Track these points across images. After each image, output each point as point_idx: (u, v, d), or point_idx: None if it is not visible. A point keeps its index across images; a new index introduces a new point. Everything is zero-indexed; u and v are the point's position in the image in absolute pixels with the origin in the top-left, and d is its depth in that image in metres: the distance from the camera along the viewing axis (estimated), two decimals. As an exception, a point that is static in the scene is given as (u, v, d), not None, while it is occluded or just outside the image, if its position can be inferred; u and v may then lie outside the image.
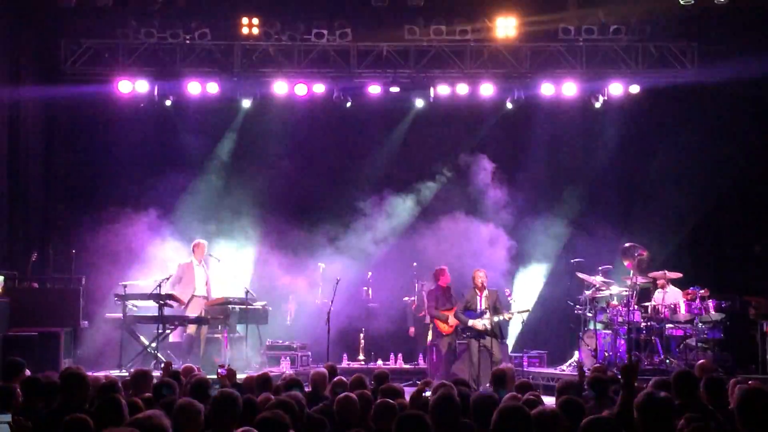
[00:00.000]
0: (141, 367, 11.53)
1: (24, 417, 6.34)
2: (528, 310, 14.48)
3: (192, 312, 14.91)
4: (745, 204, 17.29)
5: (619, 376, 7.18)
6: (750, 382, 8.08)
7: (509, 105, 17.57)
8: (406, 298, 17.07)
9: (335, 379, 8.40)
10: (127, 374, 11.72)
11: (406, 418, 5.55)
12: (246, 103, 17.53)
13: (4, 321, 13.59)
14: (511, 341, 16.26)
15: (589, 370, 10.25)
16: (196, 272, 15.25)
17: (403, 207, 17.37)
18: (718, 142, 16.82)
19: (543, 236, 16.97)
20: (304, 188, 17.92)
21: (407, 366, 16.50)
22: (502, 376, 9.20)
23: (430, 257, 16.66)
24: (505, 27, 16.58)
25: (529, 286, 16.94)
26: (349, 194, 17.83)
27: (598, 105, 17.42)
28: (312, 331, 16.43)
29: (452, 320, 14.60)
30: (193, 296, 15.10)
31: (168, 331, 14.65)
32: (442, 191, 17.64)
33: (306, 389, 8.54)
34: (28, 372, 8.83)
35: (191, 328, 14.87)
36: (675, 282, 15.11)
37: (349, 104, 17.47)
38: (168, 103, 17.31)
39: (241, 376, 9.71)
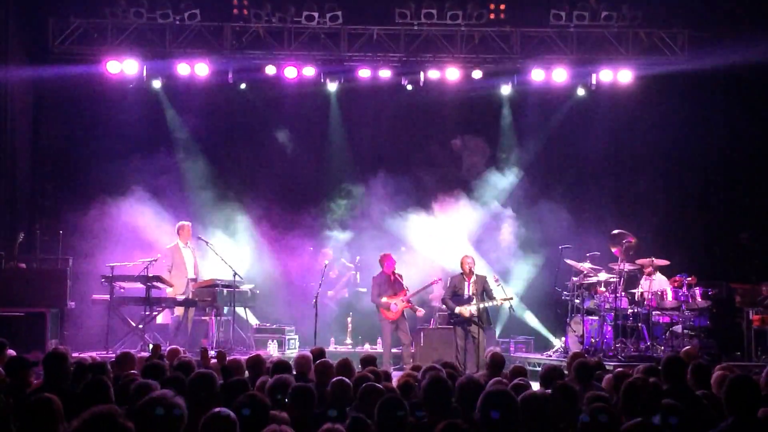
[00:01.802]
0: (126, 349, 11.54)
1: (7, 395, 6.32)
2: (511, 299, 14.47)
3: (184, 295, 14.88)
4: (732, 192, 17.34)
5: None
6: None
7: (505, 90, 17.51)
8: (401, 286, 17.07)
9: (319, 361, 8.37)
10: (113, 355, 11.70)
11: (387, 402, 5.56)
12: (236, 85, 17.44)
13: (-10, 301, 13.59)
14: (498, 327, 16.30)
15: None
16: (185, 255, 15.20)
17: (394, 190, 17.31)
18: (707, 129, 16.87)
19: (531, 222, 16.96)
20: (294, 171, 17.92)
21: (395, 350, 16.47)
22: (499, 361, 9.23)
23: (420, 241, 16.71)
24: (496, 11, 16.56)
25: (516, 272, 16.95)
26: (339, 178, 17.86)
27: (588, 91, 17.43)
28: (299, 315, 16.43)
29: (394, 307, 14.63)
30: (188, 281, 15.06)
31: (155, 313, 14.64)
32: (432, 175, 17.58)
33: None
34: (13, 352, 8.80)
35: (178, 310, 14.84)
36: (662, 269, 15.14)
37: (335, 87, 17.43)
38: (157, 83, 17.22)
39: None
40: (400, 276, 15.02)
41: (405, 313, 14.91)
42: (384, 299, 14.67)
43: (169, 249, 15.13)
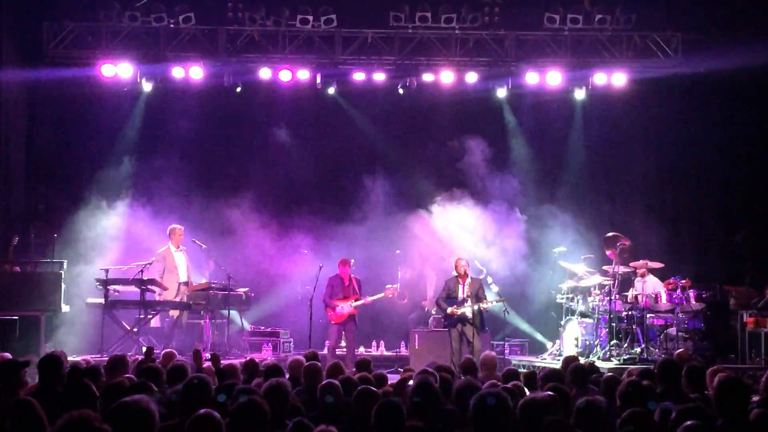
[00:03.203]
0: (118, 352, 11.50)
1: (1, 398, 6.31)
2: (504, 300, 14.49)
3: (177, 298, 14.86)
4: (726, 194, 17.37)
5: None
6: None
7: (500, 93, 17.54)
8: (389, 286, 17.06)
9: (308, 364, 8.36)
10: (107, 359, 11.68)
11: (385, 406, 5.56)
12: (231, 88, 17.43)
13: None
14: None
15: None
16: (177, 258, 15.15)
17: (390, 193, 17.32)
18: (700, 131, 16.91)
19: (526, 225, 16.94)
20: (289, 173, 17.94)
21: (389, 353, 16.52)
22: (470, 365, 9.31)
23: (416, 244, 16.74)
24: (491, 15, 16.59)
25: (511, 274, 16.93)
26: (335, 180, 17.92)
27: (582, 94, 17.47)
28: (294, 318, 16.44)
29: (339, 310, 14.60)
30: (179, 284, 15.04)
31: (150, 317, 14.63)
32: (429, 177, 17.55)
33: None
34: (8, 355, 8.78)
35: (173, 313, 14.83)
36: (656, 272, 15.17)
37: (331, 90, 17.47)
38: (151, 87, 17.20)
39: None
40: (357, 281, 15.03)
41: (356, 319, 14.86)
42: (333, 301, 14.70)
43: (161, 253, 15.07)
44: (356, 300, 14.72)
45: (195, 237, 15.58)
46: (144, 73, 16.95)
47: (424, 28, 16.69)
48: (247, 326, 16.47)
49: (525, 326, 16.96)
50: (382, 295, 15.15)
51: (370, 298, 14.95)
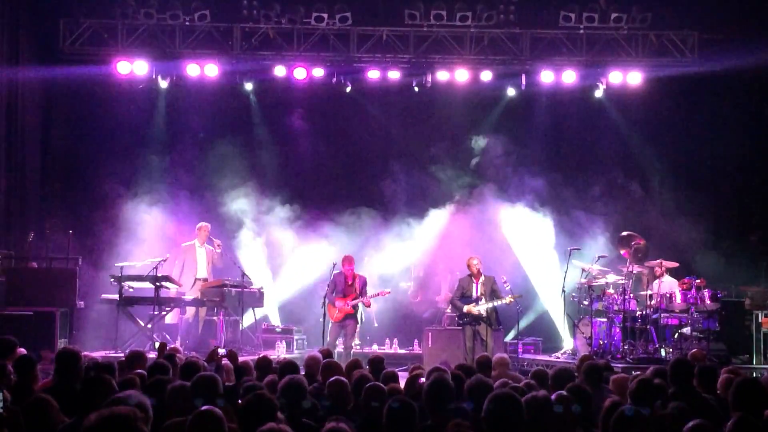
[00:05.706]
0: (136, 348, 11.57)
1: (16, 395, 6.34)
2: (520, 296, 14.48)
3: (194, 295, 14.92)
4: (741, 193, 17.29)
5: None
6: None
7: (511, 92, 17.53)
8: (403, 284, 17.09)
9: (326, 361, 8.40)
10: (122, 355, 11.73)
11: (396, 407, 5.56)
12: (247, 86, 17.49)
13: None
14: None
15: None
16: (198, 254, 15.28)
17: (407, 191, 17.32)
18: (717, 131, 16.85)
19: (541, 223, 16.91)
20: (304, 171, 17.97)
21: (402, 351, 16.51)
22: (486, 362, 9.29)
23: (430, 242, 16.73)
24: (506, 13, 16.56)
25: (525, 273, 16.92)
26: (350, 179, 17.93)
27: (598, 93, 17.42)
28: (307, 315, 16.46)
29: (337, 310, 14.36)
30: (195, 279, 15.13)
31: (164, 313, 14.68)
32: (444, 176, 17.54)
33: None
34: (23, 350, 8.82)
35: (189, 311, 14.88)
36: (671, 271, 15.11)
37: (348, 89, 17.46)
38: (166, 84, 17.25)
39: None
40: (362, 280, 14.62)
41: (356, 317, 14.57)
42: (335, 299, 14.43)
43: (184, 247, 15.28)
44: (354, 299, 14.43)
45: (210, 234, 15.61)
46: (159, 71, 17.00)
47: (439, 26, 16.68)
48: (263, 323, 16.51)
49: (544, 323, 16.90)
50: (376, 293, 14.87)
51: (364, 299, 14.46)
